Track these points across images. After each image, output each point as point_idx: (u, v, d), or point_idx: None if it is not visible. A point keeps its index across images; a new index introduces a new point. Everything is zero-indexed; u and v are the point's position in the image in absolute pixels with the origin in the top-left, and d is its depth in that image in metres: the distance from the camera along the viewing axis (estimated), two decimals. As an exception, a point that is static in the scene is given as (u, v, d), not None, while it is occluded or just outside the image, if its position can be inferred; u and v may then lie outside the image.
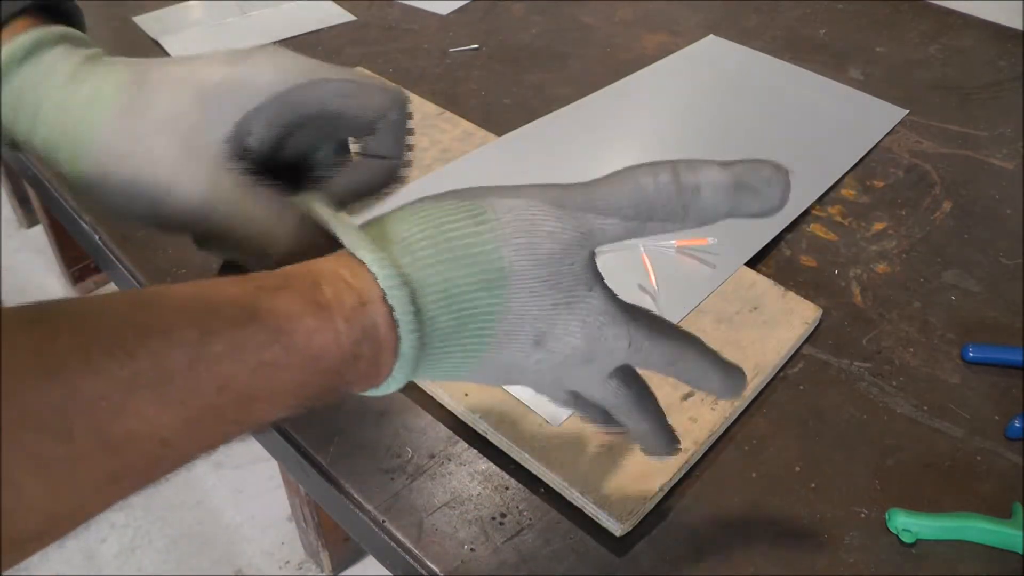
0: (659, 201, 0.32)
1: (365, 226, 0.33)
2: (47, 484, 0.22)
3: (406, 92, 0.38)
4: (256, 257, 0.34)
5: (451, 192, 0.34)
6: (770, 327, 0.61)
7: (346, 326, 0.29)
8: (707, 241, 0.67)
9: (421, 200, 0.34)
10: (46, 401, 0.21)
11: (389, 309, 0.30)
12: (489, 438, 0.54)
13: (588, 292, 0.33)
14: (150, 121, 0.32)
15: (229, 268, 0.37)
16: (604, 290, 0.35)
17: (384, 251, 0.31)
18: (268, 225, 0.34)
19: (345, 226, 0.32)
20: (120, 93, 0.33)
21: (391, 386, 0.33)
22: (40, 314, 0.23)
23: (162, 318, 0.25)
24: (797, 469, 0.54)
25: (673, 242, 0.68)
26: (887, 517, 0.51)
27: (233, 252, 0.35)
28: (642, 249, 0.66)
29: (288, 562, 1.37)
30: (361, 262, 0.30)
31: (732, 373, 0.39)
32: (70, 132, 0.33)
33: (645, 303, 0.62)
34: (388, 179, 0.38)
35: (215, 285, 0.28)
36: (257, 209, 0.33)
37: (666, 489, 0.51)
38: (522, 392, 0.55)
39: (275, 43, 0.96)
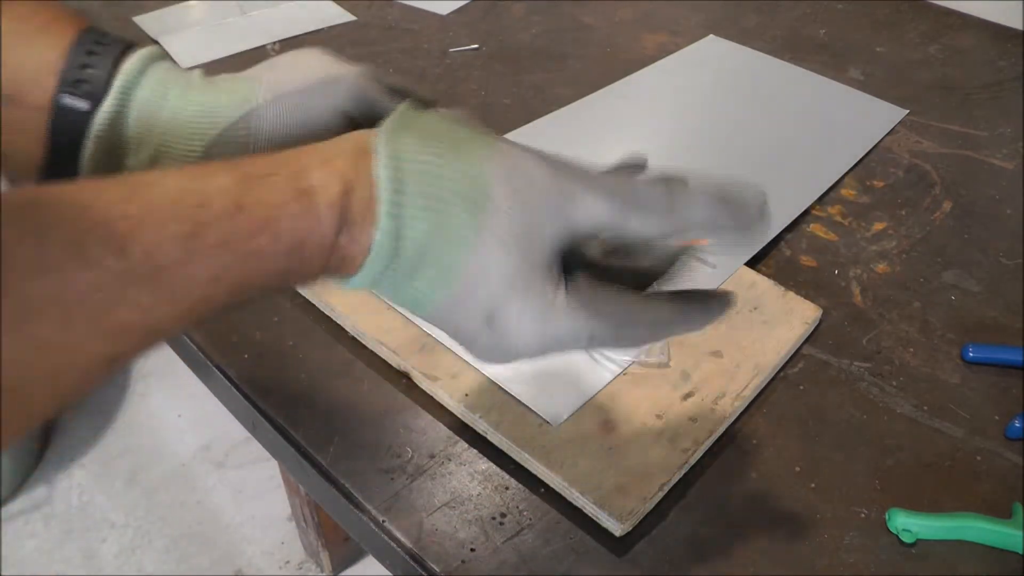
0: (646, 192, 0.33)
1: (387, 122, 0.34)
2: (49, 365, 0.24)
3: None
4: None
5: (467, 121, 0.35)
6: (770, 327, 0.61)
7: (328, 211, 0.30)
8: (707, 241, 0.67)
9: (440, 114, 0.35)
10: (45, 293, 0.23)
11: (372, 197, 0.31)
12: (489, 438, 0.54)
13: (553, 291, 0.33)
14: (296, 70, 0.42)
15: None
16: (568, 295, 0.34)
17: (391, 137, 0.32)
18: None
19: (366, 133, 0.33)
20: (259, 79, 0.43)
21: (360, 280, 0.32)
22: (33, 203, 0.24)
23: (153, 211, 0.26)
24: (797, 469, 0.54)
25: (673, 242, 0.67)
26: (887, 517, 0.51)
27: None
28: None
29: (288, 562, 1.38)
30: (367, 151, 0.32)
31: (699, 314, 0.37)
32: (225, 116, 0.41)
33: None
34: None
35: (205, 174, 0.29)
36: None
37: (666, 489, 0.51)
38: (522, 392, 0.55)
39: (275, 43, 0.96)
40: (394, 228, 0.31)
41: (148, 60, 0.40)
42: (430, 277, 0.32)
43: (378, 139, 0.32)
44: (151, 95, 0.39)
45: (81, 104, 0.37)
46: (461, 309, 0.33)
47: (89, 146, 0.38)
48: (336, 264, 0.31)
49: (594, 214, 0.33)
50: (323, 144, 0.32)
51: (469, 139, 0.33)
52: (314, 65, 0.40)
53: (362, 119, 0.43)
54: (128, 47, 0.40)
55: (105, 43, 0.38)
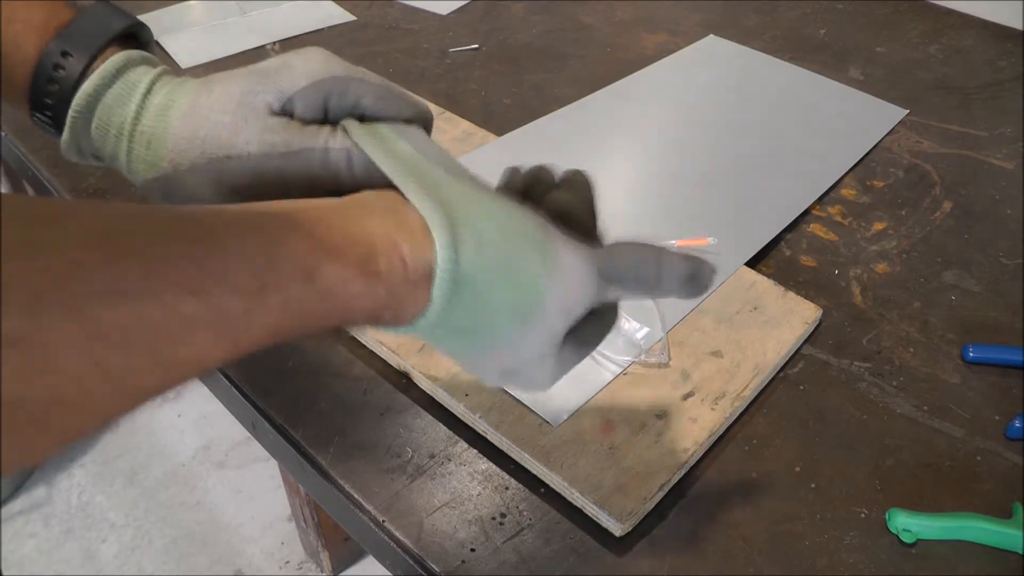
0: (646, 272, 0.37)
1: (433, 188, 0.35)
2: (105, 386, 0.24)
3: (430, 110, 0.43)
4: None
5: (512, 196, 0.37)
6: (770, 327, 0.61)
7: (386, 295, 0.32)
8: (707, 241, 0.68)
9: (490, 191, 0.37)
10: (114, 320, 0.24)
11: (428, 293, 0.33)
12: (489, 438, 0.54)
13: (561, 346, 0.37)
14: (212, 99, 0.37)
15: None
16: (571, 342, 0.38)
17: (452, 234, 0.33)
18: (316, 177, 0.38)
19: (417, 190, 0.34)
20: (188, 94, 0.38)
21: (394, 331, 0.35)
22: (110, 230, 0.25)
23: (226, 263, 0.27)
24: (797, 469, 0.54)
25: (673, 242, 0.68)
26: (887, 517, 0.51)
27: None
28: None
29: (288, 562, 1.38)
30: (427, 233, 0.32)
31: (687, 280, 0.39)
32: (147, 135, 0.38)
33: (645, 302, 0.62)
34: None
35: (281, 231, 0.30)
36: (308, 162, 0.37)
37: (666, 489, 0.51)
38: (522, 392, 0.55)
39: (275, 43, 0.96)
40: (443, 317, 0.33)
41: (112, 76, 0.39)
42: (464, 344, 0.36)
43: (436, 231, 0.32)
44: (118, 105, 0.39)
45: (50, 116, 0.39)
46: (482, 364, 0.37)
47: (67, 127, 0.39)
48: (376, 324, 0.34)
49: (610, 299, 0.38)
50: (385, 211, 0.33)
51: (526, 247, 0.34)
52: (317, 68, 0.40)
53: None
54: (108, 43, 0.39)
55: (80, 43, 0.38)
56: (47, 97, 0.39)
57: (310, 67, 0.38)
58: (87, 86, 0.38)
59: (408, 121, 0.41)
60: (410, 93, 0.41)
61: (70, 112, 0.38)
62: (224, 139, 0.37)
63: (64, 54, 0.38)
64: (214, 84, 0.38)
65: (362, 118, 0.39)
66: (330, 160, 0.38)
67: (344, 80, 0.38)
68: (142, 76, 0.39)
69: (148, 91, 0.38)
